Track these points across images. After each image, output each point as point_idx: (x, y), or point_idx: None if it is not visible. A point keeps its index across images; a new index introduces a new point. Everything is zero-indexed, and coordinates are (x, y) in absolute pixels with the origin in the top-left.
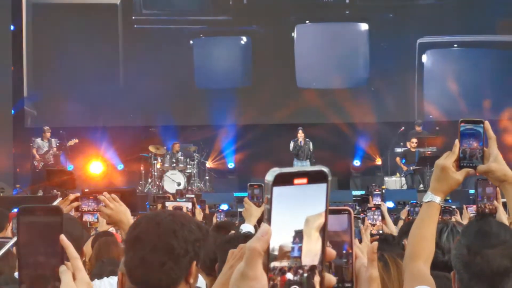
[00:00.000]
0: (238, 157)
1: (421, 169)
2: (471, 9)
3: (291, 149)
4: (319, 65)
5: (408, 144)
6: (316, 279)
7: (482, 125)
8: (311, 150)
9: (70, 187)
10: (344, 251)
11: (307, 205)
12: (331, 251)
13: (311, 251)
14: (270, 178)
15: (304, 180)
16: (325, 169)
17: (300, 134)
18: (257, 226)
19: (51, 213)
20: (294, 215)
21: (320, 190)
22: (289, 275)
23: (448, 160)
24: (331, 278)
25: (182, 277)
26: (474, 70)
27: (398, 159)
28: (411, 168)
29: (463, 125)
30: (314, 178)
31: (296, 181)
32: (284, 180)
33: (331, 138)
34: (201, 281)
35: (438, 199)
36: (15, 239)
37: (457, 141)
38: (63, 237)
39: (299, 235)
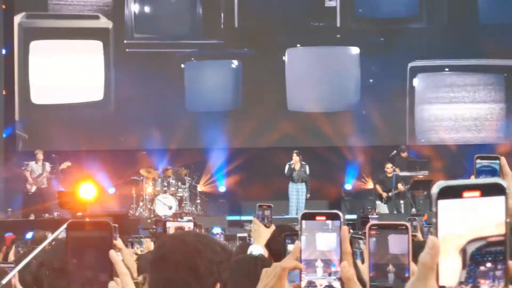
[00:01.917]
0: (229, 180)
1: (412, 194)
2: (461, 33)
3: (285, 172)
4: (310, 88)
5: (386, 167)
6: None
7: (498, 161)
8: (307, 173)
9: (82, 209)
10: (406, 275)
11: (480, 219)
12: None
13: (447, 270)
14: (436, 190)
15: (477, 193)
16: (501, 181)
17: (295, 158)
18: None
19: (100, 228)
20: (463, 229)
21: (496, 204)
22: None
23: None
24: None
25: None
26: (465, 94)
27: (378, 186)
28: (390, 194)
29: (479, 161)
30: (488, 190)
31: (466, 194)
32: (451, 193)
33: (322, 161)
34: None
35: None
36: (18, 267)
37: (473, 177)
38: (112, 253)
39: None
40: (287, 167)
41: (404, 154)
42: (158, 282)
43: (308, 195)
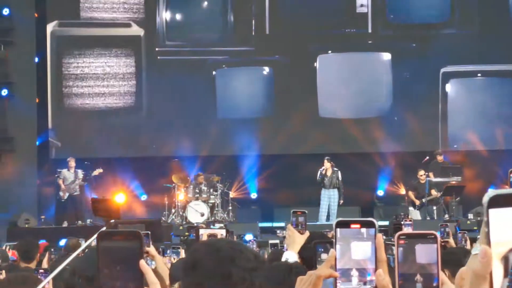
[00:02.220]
0: (261, 187)
1: (445, 200)
2: (494, 38)
3: (317, 178)
4: (341, 95)
5: (419, 173)
6: None
7: None
8: (340, 179)
9: (115, 216)
10: (434, 284)
11: None
12: None
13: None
14: (486, 199)
15: None
16: None
17: (326, 164)
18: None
19: (130, 238)
20: None
21: None
22: None
23: None
24: None
25: None
26: (498, 99)
27: (410, 193)
28: (424, 200)
29: None
30: None
31: None
32: (502, 202)
33: (354, 167)
34: None
35: None
36: (52, 274)
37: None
38: (142, 262)
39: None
40: (318, 173)
41: (440, 158)
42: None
43: (342, 201)
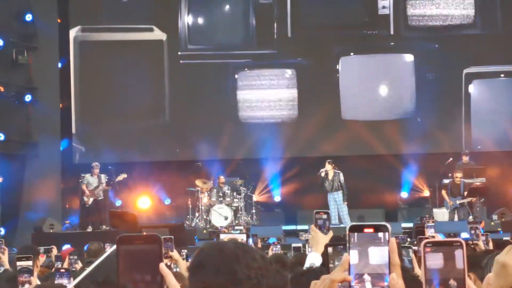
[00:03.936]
0: (285, 190)
1: (469, 202)
2: None
3: (319, 181)
4: (364, 96)
5: (455, 174)
6: None
7: None
8: (341, 181)
9: (133, 229)
10: None
11: None
12: None
13: None
14: None
15: None
16: None
17: (327, 166)
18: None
19: (150, 242)
20: None
21: None
22: None
23: (509, 256)
24: None
25: None
26: None
27: (444, 192)
28: (457, 202)
29: None
30: None
31: None
32: None
33: (377, 169)
34: None
35: None
36: (74, 282)
37: None
38: (162, 266)
39: None
40: (320, 178)
41: (465, 158)
42: (196, 287)
43: (345, 202)
